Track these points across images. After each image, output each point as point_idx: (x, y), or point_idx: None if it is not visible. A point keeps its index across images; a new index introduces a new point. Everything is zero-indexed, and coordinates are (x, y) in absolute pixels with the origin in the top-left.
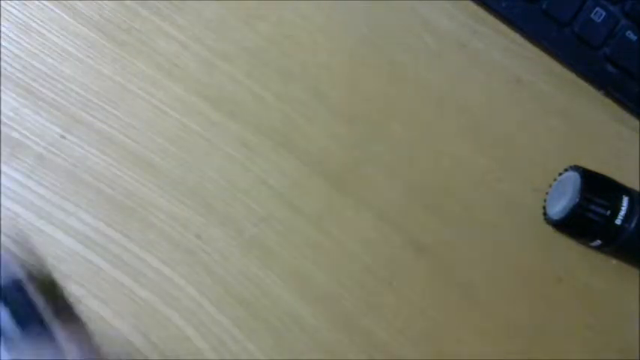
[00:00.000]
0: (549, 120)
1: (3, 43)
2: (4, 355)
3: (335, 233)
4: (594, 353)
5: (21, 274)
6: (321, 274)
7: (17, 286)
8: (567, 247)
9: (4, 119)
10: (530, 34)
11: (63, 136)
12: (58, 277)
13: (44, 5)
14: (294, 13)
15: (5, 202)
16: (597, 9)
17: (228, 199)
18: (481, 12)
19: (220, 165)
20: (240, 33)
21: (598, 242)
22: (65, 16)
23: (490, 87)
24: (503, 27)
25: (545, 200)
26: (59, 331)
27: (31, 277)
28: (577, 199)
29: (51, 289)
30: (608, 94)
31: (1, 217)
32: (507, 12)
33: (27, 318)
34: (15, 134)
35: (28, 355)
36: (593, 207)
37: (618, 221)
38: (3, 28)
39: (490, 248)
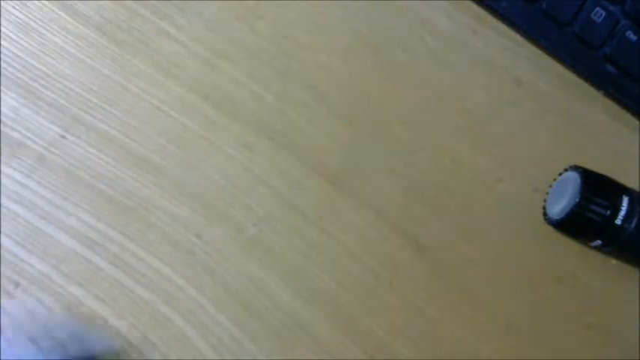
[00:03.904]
0: (549, 120)
1: (3, 43)
2: None
3: (335, 233)
4: (594, 353)
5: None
6: (321, 274)
7: None
8: (567, 247)
9: (4, 119)
10: (530, 34)
11: (63, 136)
12: (58, 277)
13: (44, 5)
14: (294, 13)
15: (5, 202)
16: (597, 9)
17: (228, 199)
18: (481, 12)
19: (220, 165)
20: (240, 33)
21: (598, 242)
22: (65, 16)
23: (490, 87)
24: (503, 27)
25: (545, 200)
26: None
27: None
28: (577, 199)
29: None
30: (608, 94)
31: (1, 217)
32: (507, 12)
33: None
34: (15, 134)
35: None
36: (593, 207)
37: (618, 221)
38: (3, 28)
39: (490, 248)
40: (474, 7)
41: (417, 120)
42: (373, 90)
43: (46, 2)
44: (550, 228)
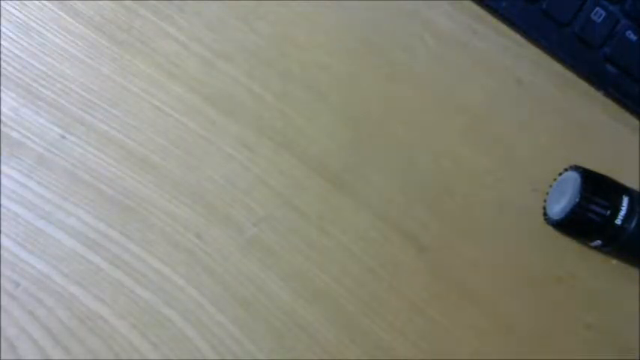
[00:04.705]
0: (549, 120)
1: (3, 43)
2: None
3: (335, 233)
4: (594, 353)
5: None
6: (321, 274)
7: None
8: (567, 247)
9: (4, 119)
10: (530, 34)
11: (63, 136)
12: (58, 277)
13: (44, 5)
14: (294, 13)
15: (5, 202)
16: (597, 9)
17: (228, 199)
18: (481, 12)
19: (220, 165)
20: (240, 33)
21: (598, 242)
22: (65, 16)
23: (490, 87)
24: (503, 27)
25: (545, 200)
26: None
27: None
28: (577, 199)
29: None
30: (608, 94)
31: (1, 217)
32: (507, 12)
33: None
34: (15, 134)
35: None
36: (593, 207)
37: (618, 221)
38: (3, 28)
39: (490, 248)
40: (474, 7)
41: (417, 120)
42: (373, 90)
43: (46, 2)
44: (550, 228)
